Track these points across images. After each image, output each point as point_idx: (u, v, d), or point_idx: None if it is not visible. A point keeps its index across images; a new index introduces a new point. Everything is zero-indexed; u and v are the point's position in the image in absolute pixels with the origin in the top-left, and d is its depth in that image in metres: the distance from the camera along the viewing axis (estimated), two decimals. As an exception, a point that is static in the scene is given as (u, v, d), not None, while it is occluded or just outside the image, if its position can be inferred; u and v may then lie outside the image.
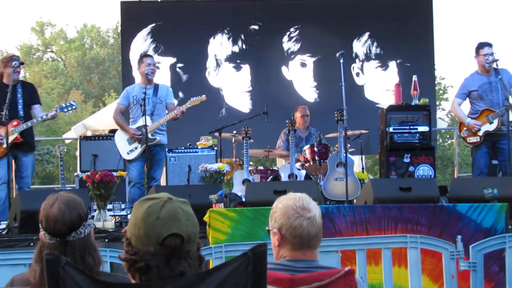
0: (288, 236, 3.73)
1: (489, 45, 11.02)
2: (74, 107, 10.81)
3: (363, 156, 12.81)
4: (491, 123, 10.72)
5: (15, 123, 10.15)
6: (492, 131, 10.73)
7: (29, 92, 10.61)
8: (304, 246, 3.74)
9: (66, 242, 3.77)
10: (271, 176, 11.73)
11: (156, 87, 10.84)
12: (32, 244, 6.80)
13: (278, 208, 3.80)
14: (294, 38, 15.69)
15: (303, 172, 11.66)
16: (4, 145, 9.93)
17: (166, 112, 10.76)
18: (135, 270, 2.84)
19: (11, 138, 10.01)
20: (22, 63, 10.60)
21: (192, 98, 10.91)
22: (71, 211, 3.79)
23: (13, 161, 10.41)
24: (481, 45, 11.05)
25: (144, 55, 11.19)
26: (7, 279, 4.08)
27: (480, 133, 10.81)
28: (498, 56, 10.84)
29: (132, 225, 2.87)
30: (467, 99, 11.15)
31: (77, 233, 3.79)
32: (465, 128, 10.97)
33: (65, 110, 10.68)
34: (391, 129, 11.41)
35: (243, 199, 9.12)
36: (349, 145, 11.23)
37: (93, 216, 8.99)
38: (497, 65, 10.72)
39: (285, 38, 15.69)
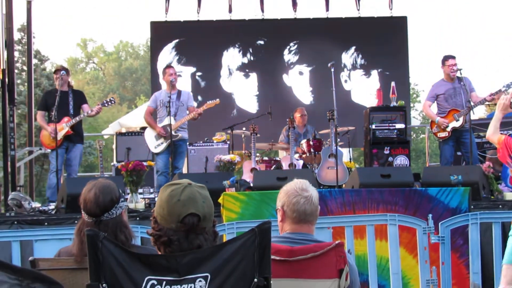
0: (289, 211, 3.77)
1: (453, 57, 10.99)
2: (113, 102, 10.91)
3: (351, 149, 12.77)
4: (457, 120, 10.68)
5: (66, 119, 10.31)
6: (458, 127, 10.69)
7: (79, 96, 10.71)
8: (301, 221, 3.76)
9: (100, 221, 3.81)
10: (274, 165, 11.72)
11: (179, 93, 10.80)
12: (76, 222, 6.79)
13: (283, 190, 3.86)
14: (294, 51, 15.68)
15: (301, 162, 11.66)
16: (58, 137, 10.10)
17: (187, 113, 10.74)
18: (160, 244, 2.86)
19: (63, 132, 10.25)
20: (66, 71, 10.66)
21: (208, 102, 10.90)
22: (105, 196, 3.83)
23: (65, 152, 10.46)
24: (446, 58, 11.01)
25: (167, 67, 11.10)
26: (55, 251, 4.08)
27: (448, 129, 10.76)
28: (460, 66, 10.82)
29: (158, 206, 2.90)
30: (435, 101, 11.12)
31: (110, 214, 3.83)
32: (435, 125, 10.93)
33: (106, 104, 10.76)
34: (373, 126, 11.39)
35: (251, 184, 9.10)
36: (338, 139, 11.20)
37: (126, 199, 8.95)
38: (460, 73, 10.69)
39: (286, 51, 15.69)
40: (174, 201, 2.85)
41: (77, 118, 10.40)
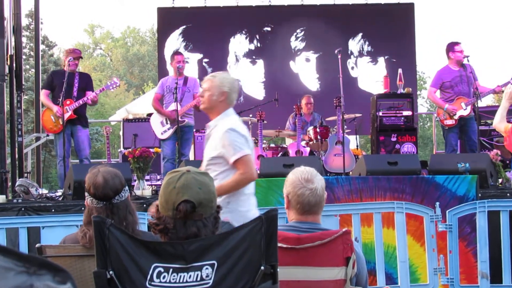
0: (293, 202, 3.77)
1: (460, 43, 10.98)
2: (117, 84, 10.78)
3: (357, 136, 12.77)
4: (465, 109, 10.66)
5: (68, 102, 10.04)
6: (465, 115, 10.67)
7: (85, 80, 10.51)
8: (305, 212, 3.76)
9: (113, 204, 3.83)
10: (281, 152, 11.71)
11: (185, 79, 10.78)
12: (82, 208, 6.80)
13: (289, 178, 3.84)
14: (300, 38, 15.65)
15: (308, 149, 11.65)
16: (61, 122, 9.89)
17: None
18: (158, 231, 2.90)
19: (66, 115, 9.93)
20: (78, 57, 10.52)
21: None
22: (114, 179, 3.87)
23: (70, 136, 10.32)
24: (455, 43, 10.99)
25: (175, 53, 11.09)
26: (62, 238, 4.08)
27: (456, 117, 10.74)
28: (466, 53, 10.81)
29: (159, 194, 2.92)
30: (440, 88, 11.09)
31: (120, 196, 3.86)
32: (443, 112, 10.90)
33: (111, 88, 10.69)
34: (380, 113, 11.36)
35: (258, 171, 9.07)
36: (345, 126, 11.19)
37: (133, 185, 8.95)
38: (468, 60, 10.68)
39: (293, 38, 15.65)
40: (170, 189, 2.86)
41: (80, 102, 10.19)
